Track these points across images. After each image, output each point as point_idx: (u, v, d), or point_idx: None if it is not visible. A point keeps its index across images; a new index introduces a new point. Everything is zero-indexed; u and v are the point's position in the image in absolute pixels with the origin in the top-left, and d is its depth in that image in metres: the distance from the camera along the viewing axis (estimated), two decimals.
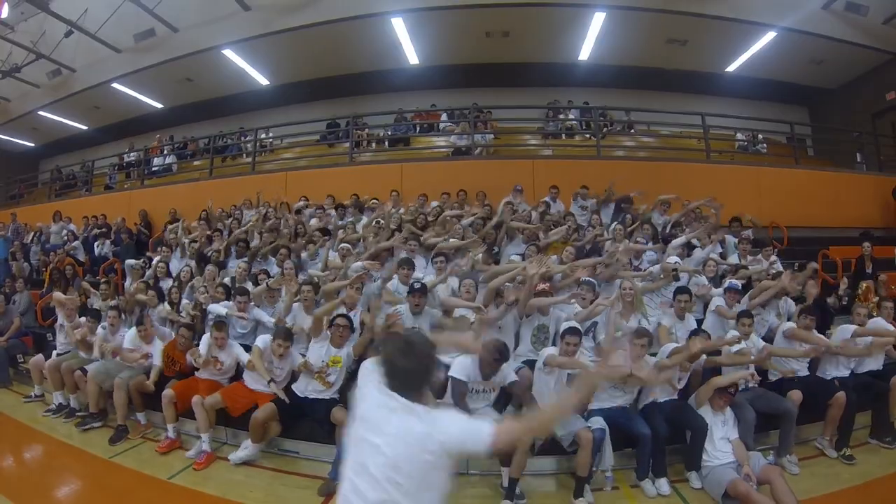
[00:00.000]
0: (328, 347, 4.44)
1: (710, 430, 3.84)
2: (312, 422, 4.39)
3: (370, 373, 1.86)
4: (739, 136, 11.69)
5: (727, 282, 5.46)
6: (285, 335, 4.51)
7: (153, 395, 4.84)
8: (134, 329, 5.19)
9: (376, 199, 8.47)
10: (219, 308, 5.34)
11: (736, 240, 6.88)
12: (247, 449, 4.34)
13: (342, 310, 4.79)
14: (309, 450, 4.44)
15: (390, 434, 1.68)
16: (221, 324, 4.83)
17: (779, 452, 4.13)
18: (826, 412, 4.32)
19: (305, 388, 4.46)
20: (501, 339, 4.11)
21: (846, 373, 4.66)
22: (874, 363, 4.75)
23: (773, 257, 6.59)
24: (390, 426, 1.69)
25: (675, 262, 5.73)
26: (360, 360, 4.14)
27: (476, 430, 1.71)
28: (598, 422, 3.88)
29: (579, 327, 4.21)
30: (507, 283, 4.93)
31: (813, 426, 4.46)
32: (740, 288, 5.39)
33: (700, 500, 3.76)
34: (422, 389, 1.82)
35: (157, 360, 5.02)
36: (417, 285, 4.94)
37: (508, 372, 4.05)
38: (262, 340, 4.61)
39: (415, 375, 1.78)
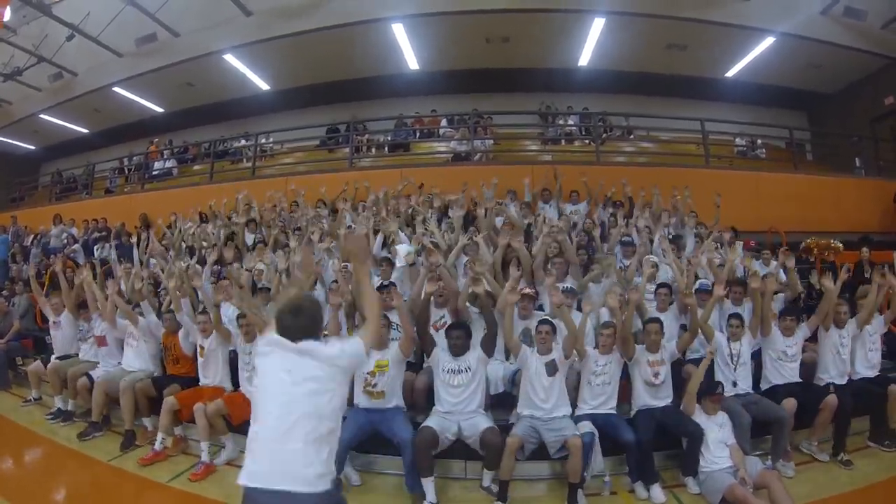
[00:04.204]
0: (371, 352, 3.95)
1: (705, 435, 3.84)
2: None
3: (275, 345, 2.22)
4: (738, 140, 11.70)
5: (698, 283, 5.27)
6: None
7: (159, 401, 4.71)
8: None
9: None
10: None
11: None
12: None
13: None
14: None
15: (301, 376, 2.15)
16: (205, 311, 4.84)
17: (772, 459, 4.11)
18: (816, 416, 4.30)
19: None
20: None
21: (843, 379, 4.64)
22: (868, 370, 4.78)
23: (773, 262, 6.57)
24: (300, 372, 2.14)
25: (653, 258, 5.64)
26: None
27: (351, 342, 2.31)
28: (587, 426, 3.89)
29: (552, 319, 4.24)
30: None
31: (807, 431, 4.42)
32: (710, 288, 5.01)
33: None
34: (319, 330, 2.32)
35: None
36: (385, 283, 4.94)
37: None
38: None
39: (310, 326, 2.23)
